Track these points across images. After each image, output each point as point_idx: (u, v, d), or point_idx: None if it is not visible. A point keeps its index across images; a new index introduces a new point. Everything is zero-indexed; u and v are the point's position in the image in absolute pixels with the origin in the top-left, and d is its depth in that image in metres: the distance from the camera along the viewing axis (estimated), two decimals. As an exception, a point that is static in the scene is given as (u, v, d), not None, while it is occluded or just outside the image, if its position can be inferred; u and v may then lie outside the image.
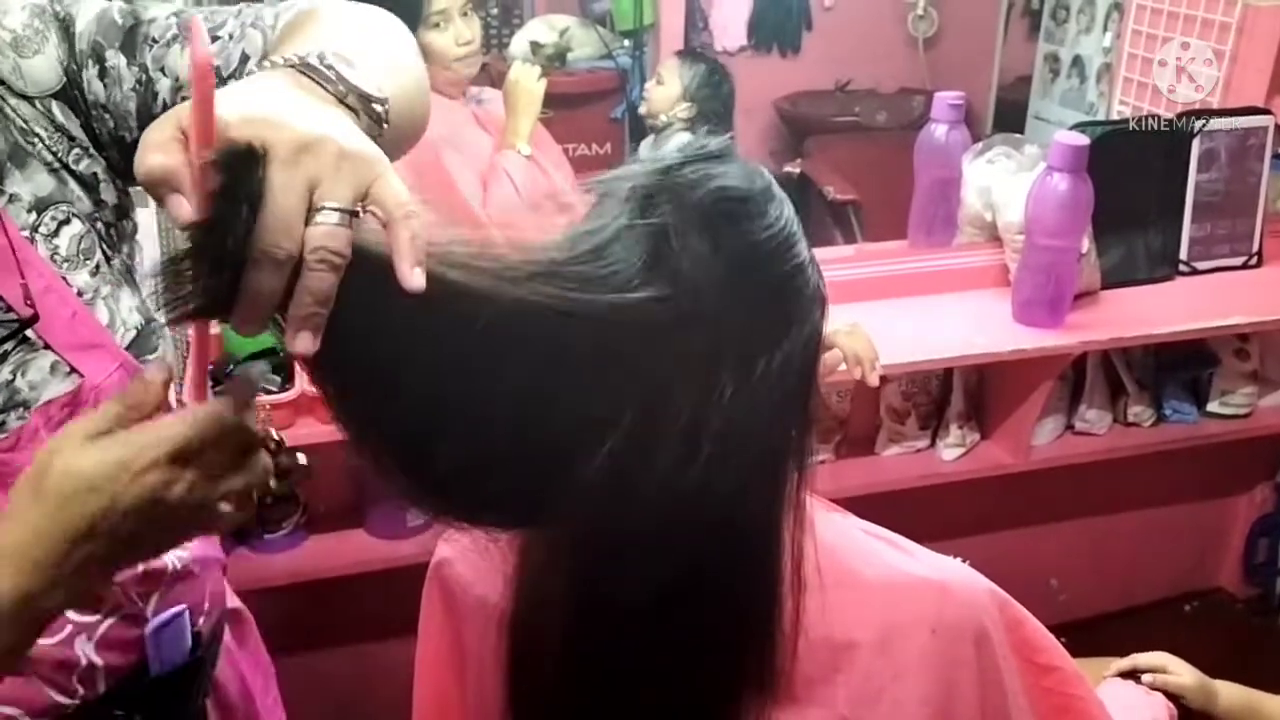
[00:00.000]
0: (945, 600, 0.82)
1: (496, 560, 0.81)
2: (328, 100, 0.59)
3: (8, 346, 0.72)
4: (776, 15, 3.52)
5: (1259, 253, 1.99)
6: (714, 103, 2.58)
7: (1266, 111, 1.95)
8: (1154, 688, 1.28)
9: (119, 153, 0.79)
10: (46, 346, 0.73)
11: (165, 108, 0.76)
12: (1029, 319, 1.75)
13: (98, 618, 0.78)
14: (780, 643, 0.77)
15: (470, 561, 0.96)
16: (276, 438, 0.66)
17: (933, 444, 1.91)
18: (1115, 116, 2.35)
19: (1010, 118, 3.18)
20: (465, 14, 2.14)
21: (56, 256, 0.75)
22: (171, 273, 0.51)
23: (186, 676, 0.86)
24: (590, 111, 3.02)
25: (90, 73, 0.76)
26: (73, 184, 0.77)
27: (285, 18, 0.76)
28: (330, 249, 0.51)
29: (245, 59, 0.76)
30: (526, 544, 0.76)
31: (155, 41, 0.77)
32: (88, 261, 0.77)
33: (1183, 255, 1.95)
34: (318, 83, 0.59)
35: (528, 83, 2.08)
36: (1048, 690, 0.91)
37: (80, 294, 0.76)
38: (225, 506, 0.58)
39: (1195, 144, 1.91)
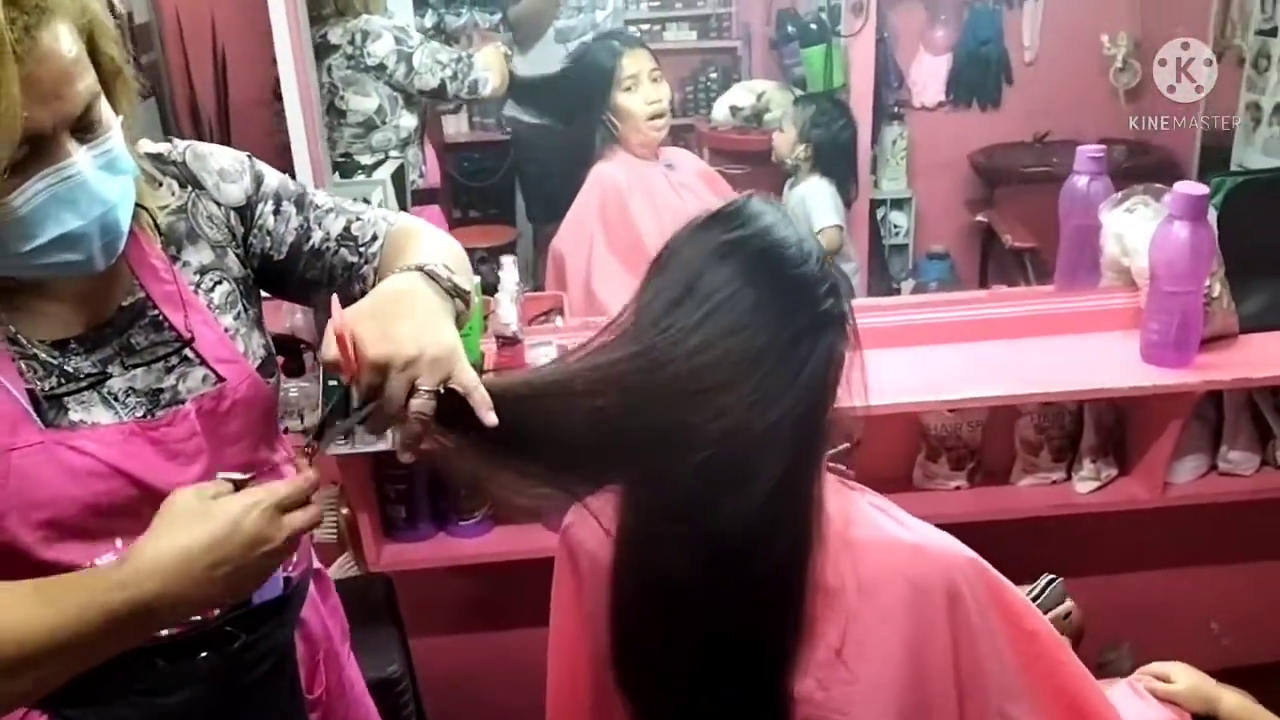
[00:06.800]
0: (919, 558, 0.99)
1: (606, 522, 1.04)
2: (442, 294, 0.98)
3: (174, 360, 1.04)
4: (975, 71, 3.63)
5: None
6: (828, 140, 2.71)
7: None
8: (1153, 694, 1.33)
9: (261, 265, 1.12)
10: (202, 363, 1.05)
11: (313, 248, 1.13)
12: (1155, 359, 1.83)
13: None
14: (809, 592, 0.97)
15: (588, 524, 1.14)
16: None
17: (1068, 477, 2.01)
18: (1302, 163, 2.35)
19: (1219, 164, 3.14)
20: (655, 79, 2.48)
21: (211, 304, 1.08)
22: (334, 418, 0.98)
23: (278, 607, 1.14)
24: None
25: (266, 207, 1.11)
26: (229, 260, 1.09)
27: (393, 229, 1.15)
28: (420, 412, 0.90)
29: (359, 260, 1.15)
30: (623, 509, 1.01)
31: (318, 207, 1.14)
32: (232, 309, 1.09)
33: (1337, 301, 1.96)
34: (436, 281, 0.98)
35: None
36: (1037, 655, 1.05)
37: (225, 330, 1.08)
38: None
39: (1344, 192, 1.93)
